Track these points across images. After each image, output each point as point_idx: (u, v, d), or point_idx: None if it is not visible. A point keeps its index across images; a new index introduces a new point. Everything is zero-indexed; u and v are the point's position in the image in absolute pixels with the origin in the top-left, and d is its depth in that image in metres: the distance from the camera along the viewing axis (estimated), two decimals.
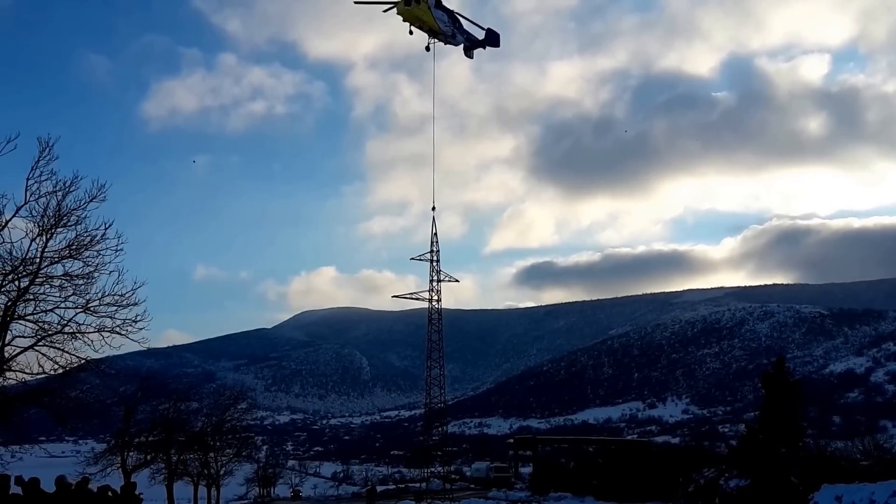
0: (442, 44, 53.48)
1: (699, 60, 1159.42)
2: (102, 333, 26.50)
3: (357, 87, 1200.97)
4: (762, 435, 47.94)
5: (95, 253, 25.74)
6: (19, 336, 25.77)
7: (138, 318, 26.70)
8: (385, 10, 50.25)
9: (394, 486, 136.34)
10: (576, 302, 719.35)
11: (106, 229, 25.59)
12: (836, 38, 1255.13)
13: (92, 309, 26.26)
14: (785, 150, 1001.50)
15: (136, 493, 28.04)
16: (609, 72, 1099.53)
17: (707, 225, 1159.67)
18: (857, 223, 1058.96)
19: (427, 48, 53.00)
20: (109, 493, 24.05)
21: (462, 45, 54.21)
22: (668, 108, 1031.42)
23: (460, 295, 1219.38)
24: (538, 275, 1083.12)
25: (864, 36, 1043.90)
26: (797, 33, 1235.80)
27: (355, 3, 52.23)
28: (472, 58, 56.32)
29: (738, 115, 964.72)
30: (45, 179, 24.49)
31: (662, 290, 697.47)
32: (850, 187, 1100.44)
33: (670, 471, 53.90)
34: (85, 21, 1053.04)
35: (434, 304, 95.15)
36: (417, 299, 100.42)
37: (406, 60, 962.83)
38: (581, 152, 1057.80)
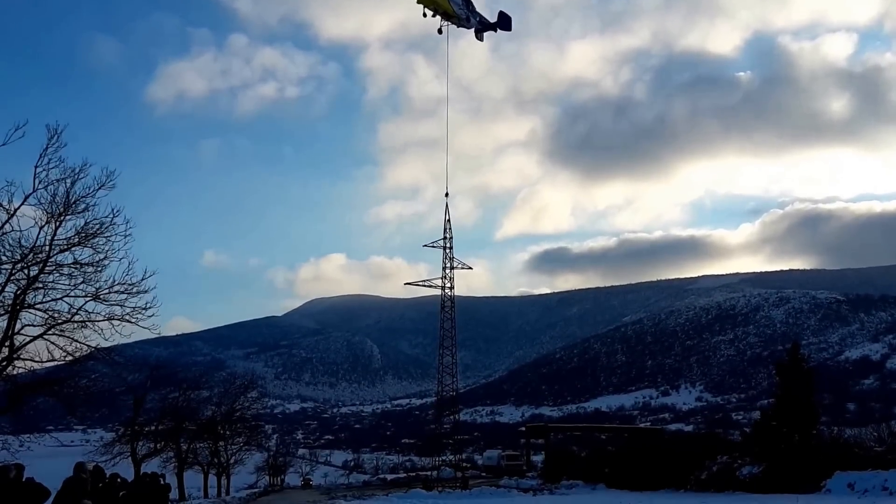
0: (455, 26, 53.06)
1: (722, 39, 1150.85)
2: (112, 321, 26.43)
3: (371, 68, 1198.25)
4: (776, 422, 47.71)
5: (104, 240, 25.60)
6: (29, 325, 25.73)
7: (148, 305, 26.63)
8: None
9: (404, 475, 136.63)
10: (589, 288, 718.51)
11: (115, 216, 25.46)
12: (862, 16, 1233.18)
13: (101, 297, 26.15)
14: (807, 132, 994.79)
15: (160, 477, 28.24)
16: (630, 51, 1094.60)
17: (726, 208, 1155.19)
18: (878, 207, 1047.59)
19: (439, 31, 52.60)
20: (118, 481, 23.98)
21: (473, 28, 53.81)
22: (689, 89, 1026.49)
23: (473, 282, 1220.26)
24: (552, 261, 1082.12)
25: (890, 14, 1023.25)
26: (822, 11, 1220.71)
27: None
28: (482, 40, 55.91)
29: (760, 96, 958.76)
30: (54, 167, 24.41)
31: (677, 277, 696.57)
32: (873, 170, 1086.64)
33: (683, 458, 53.60)
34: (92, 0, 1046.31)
35: (446, 291, 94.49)
36: (430, 287, 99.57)
37: (422, 40, 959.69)
38: (599, 134, 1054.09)
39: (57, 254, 25.33)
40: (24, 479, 14.91)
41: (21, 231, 24.52)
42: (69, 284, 25.82)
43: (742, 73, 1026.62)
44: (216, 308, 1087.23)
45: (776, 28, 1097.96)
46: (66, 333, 26.22)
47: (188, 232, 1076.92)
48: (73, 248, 25.56)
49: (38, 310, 25.73)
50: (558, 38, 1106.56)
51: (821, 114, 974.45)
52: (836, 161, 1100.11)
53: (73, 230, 25.39)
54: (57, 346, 26.02)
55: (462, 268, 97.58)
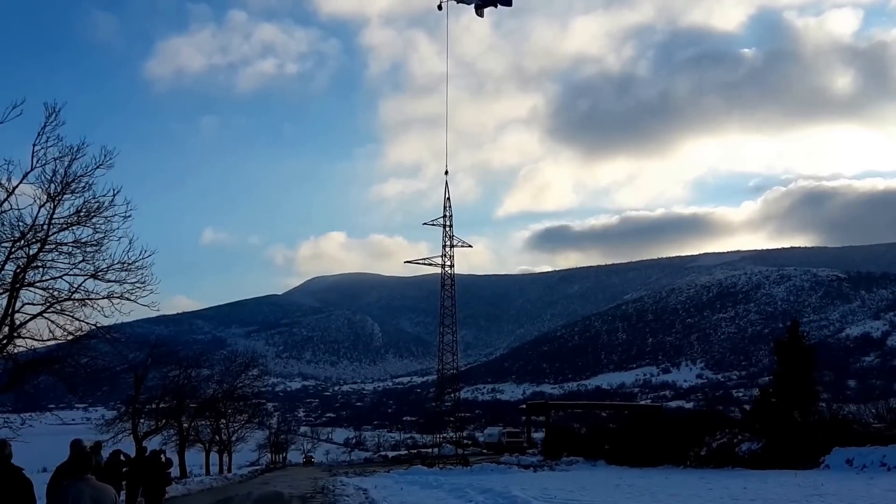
0: (456, 2, 52.58)
1: (727, 15, 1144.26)
2: (112, 300, 26.39)
3: (372, 44, 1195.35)
4: (775, 399, 47.88)
5: (104, 219, 25.51)
6: (29, 303, 25.69)
7: (147, 283, 26.60)
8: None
9: (406, 452, 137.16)
10: (591, 266, 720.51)
11: (114, 195, 25.37)
12: None
13: (101, 276, 26.10)
14: (811, 108, 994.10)
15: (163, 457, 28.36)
16: (633, 27, 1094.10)
17: (728, 186, 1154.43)
18: (882, 184, 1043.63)
19: (440, 7, 52.13)
20: (122, 458, 24.09)
21: (474, 4, 53.36)
22: (692, 65, 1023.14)
23: (473, 260, 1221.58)
24: (553, 238, 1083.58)
25: None
26: None
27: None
28: (483, 17, 55.47)
29: (764, 72, 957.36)
30: (52, 145, 24.17)
31: (678, 254, 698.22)
32: (877, 147, 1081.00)
33: (683, 435, 53.81)
34: None
35: (447, 269, 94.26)
36: (430, 265, 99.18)
37: (423, 16, 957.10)
38: (601, 111, 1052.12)
39: (56, 232, 25.25)
40: (10, 461, 14.75)
41: (20, 209, 24.45)
42: (69, 263, 25.77)
43: (746, 50, 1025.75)
44: (217, 286, 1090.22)
45: (781, 4, 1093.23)
46: (67, 312, 26.19)
47: (187, 210, 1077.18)
48: (72, 227, 25.48)
49: (38, 288, 25.69)
50: (561, 14, 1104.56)
51: (825, 90, 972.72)
52: (839, 138, 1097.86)
53: (73, 209, 25.29)
54: (57, 324, 26.00)
55: (462, 246, 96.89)
